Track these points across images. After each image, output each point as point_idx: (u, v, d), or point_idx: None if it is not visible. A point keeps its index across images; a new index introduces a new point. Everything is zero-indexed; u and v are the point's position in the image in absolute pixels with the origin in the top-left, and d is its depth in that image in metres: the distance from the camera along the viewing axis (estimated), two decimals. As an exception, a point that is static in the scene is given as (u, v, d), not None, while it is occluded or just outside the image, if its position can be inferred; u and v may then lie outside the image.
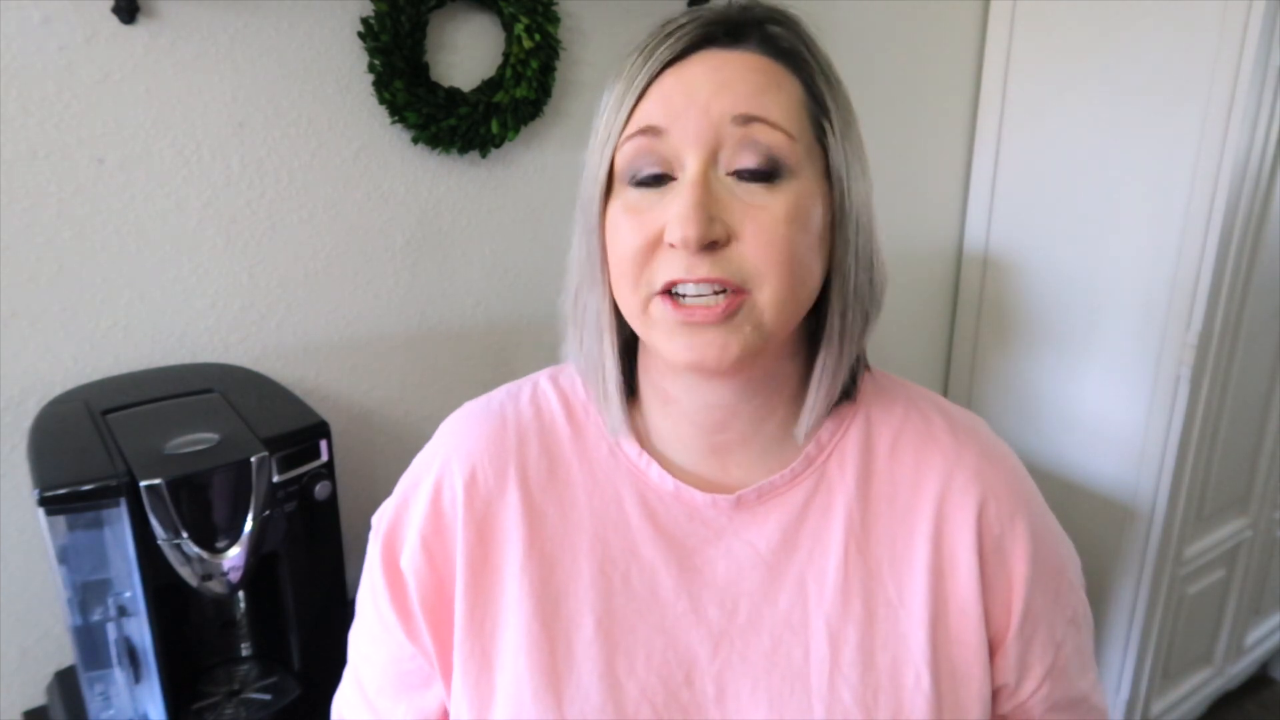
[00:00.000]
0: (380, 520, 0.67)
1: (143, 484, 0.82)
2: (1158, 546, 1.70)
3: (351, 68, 1.15)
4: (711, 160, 0.53)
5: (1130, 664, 1.79)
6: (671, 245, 0.53)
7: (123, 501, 0.83)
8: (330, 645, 1.00)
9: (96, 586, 0.88)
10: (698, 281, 0.52)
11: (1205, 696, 2.02)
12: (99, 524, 0.85)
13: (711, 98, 0.53)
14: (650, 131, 0.54)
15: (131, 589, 0.88)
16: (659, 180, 0.55)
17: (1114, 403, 1.72)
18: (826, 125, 0.56)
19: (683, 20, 0.56)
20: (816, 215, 0.55)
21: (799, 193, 0.54)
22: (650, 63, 0.55)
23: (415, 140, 1.20)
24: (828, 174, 0.56)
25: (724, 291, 0.53)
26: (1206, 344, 1.58)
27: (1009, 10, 1.77)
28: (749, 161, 0.53)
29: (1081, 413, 1.78)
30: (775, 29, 0.56)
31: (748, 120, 0.53)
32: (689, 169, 0.53)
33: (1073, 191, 1.73)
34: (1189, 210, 1.54)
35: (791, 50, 0.56)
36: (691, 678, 0.60)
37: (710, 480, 0.63)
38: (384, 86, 1.15)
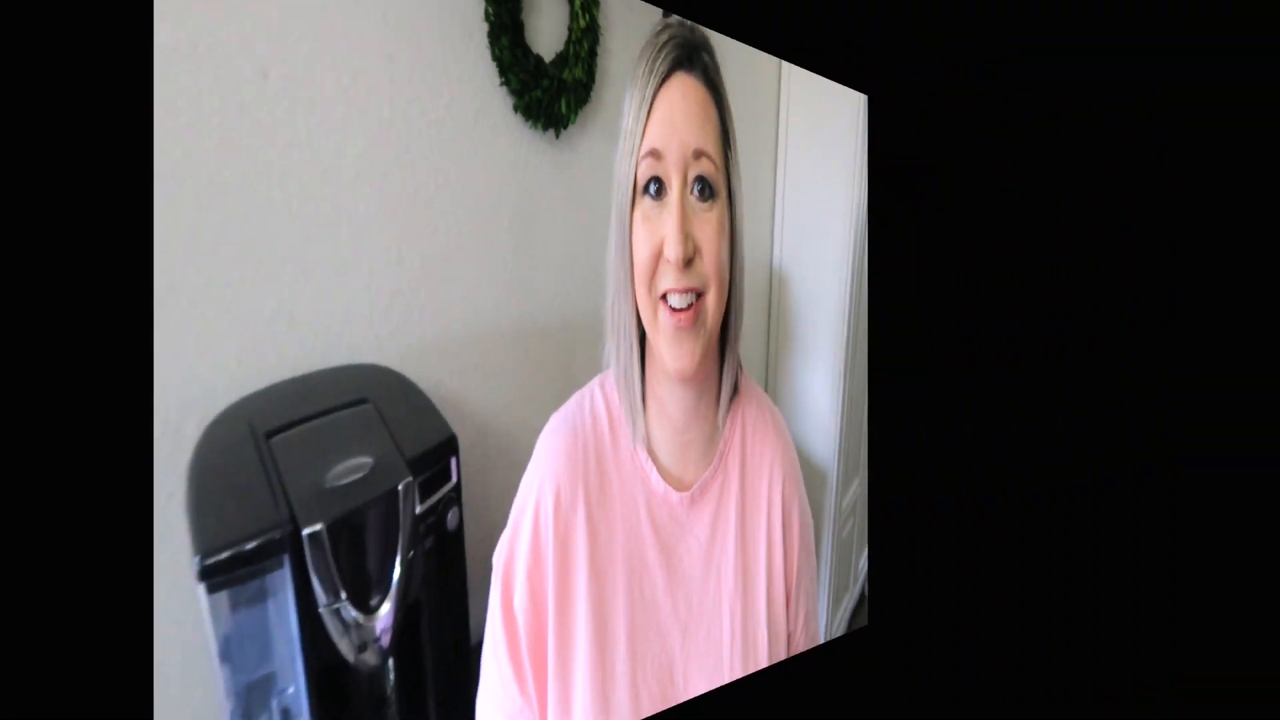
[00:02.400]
0: (499, 558, 0.65)
1: (304, 532, 0.67)
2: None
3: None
4: (684, 183, 0.59)
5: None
6: (666, 260, 0.58)
7: (286, 560, 0.67)
8: (461, 706, 0.86)
9: (260, 686, 0.71)
10: (684, 291, 0.58)
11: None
12: (262, 596, 0.68)
13: (684, 129, 0.58)
14: (655, 154, 0.58)
15: (294, 682, 0.72)
16: (661, 192, 0.59)
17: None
18: (729, 152, 0.61)
19: (665, 39, 0.59)
20: (729, 229, 0.60)
21: (723, 209, 0.59)
22: (651, 79, 0.58)
23: (514, 109, 1.04)
24: (728, 194, 0.61)
25: (693, 301, 0.58)
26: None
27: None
28: (701, 186, 0.58)
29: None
30: (708, 58, 0.62)
31: (699, 154, 0.59)
32: (674, 191, 0.58)
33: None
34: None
35: (717, 82, 0.62)
36: (673, 674, 0.64)
37: (678, 479, 0.67)
38: (494, 40, 0.99)
